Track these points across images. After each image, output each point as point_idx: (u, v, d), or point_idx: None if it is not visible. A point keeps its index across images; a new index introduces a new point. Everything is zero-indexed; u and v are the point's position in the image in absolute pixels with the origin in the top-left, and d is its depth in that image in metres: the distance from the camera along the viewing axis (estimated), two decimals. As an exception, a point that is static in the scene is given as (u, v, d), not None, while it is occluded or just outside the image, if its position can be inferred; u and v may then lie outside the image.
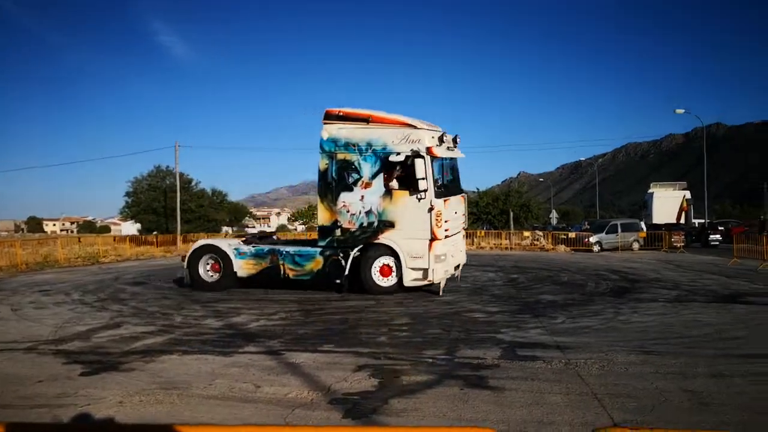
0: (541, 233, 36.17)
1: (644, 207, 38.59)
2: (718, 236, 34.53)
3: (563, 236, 33.97)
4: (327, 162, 12.75)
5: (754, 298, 11.65)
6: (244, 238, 14.99)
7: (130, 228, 54.92)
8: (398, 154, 12.29)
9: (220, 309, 10.63)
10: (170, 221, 43.50)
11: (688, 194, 35.66)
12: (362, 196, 12.48)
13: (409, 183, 12.31)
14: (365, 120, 12.74)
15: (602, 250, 30.13)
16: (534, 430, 4.30)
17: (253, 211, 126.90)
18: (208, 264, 13.42)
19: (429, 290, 12.52)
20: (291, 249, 13.13)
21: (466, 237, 39.15)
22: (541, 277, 16.34)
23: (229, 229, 66.00)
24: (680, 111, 42.69)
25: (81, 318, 9.78)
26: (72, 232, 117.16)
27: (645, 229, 32.02)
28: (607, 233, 31.03)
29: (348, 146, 12.66)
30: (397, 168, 12.53)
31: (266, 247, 13.30)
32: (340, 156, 12.69)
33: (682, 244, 29.67)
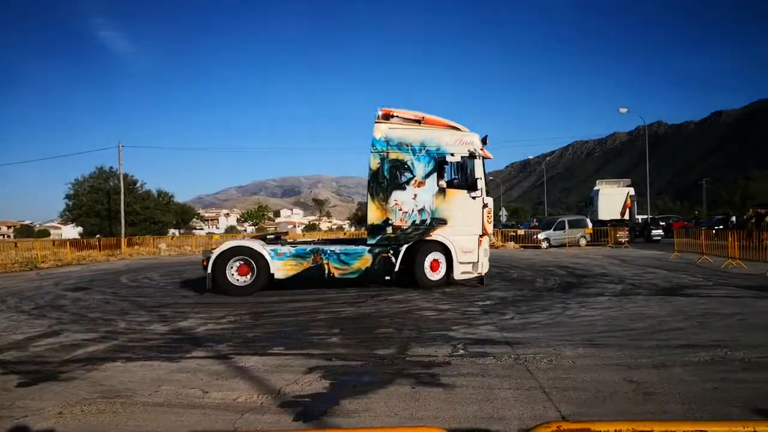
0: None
1: (590, 204, 39.53)
2: (660, 231, 35.83)
3: (512, 233, 34.64)
4: (379, 161, 13.11)
5: (694, 290, 12.08)
6: (260, 239, 15.06)
7: (72, 232, 53.09)
8: (453, 155, 13.19)
9: (166, 314, 10.34)
10: (114, 224, 42.26)
11: (632, 191, 36.71)
12: (415, 195, 13.05)
13: (457, 182, 13.64)
14: (417, 121, 13.38)
15: (550, 246, 30.85)
16: (484, 425, 4.31)
17: (201, 212, 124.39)
18: (233, 267, 12.79)
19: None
20: (336, 248, 13.20)
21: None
22: (490, 274, 16.52)
23: (176, 232, 64.52)
24: (624, 110, 44.06)
25: (18, 326, 9.36)
26: (8, 236, 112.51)
27: (591, 225, 32.92)
28: (555, 230, 31.77)
29: (401, 146, 13.12)
30: (445, 168, 13.51)
31: (308, 247, 13.24)
32: (393, 155, 13.10)
33: (627, 239, 30.68)
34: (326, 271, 12.89)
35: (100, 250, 32.85)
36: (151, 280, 17.44)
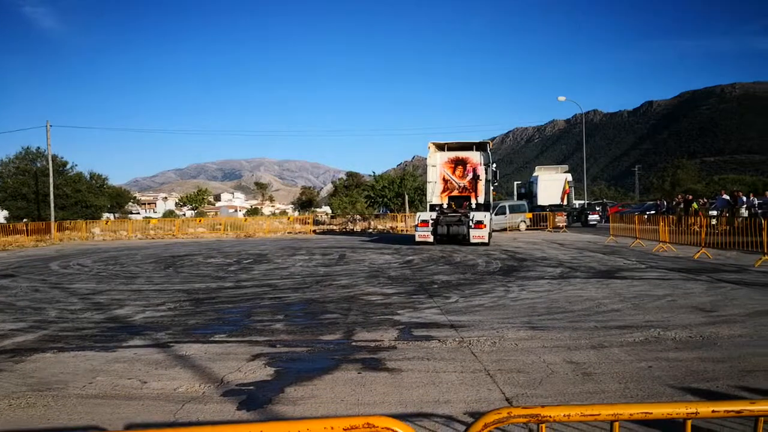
0: (434, 215, 37.03)
1: (529, 189, 40.26)
2: (596, 216, 37.04)
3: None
4: (491, 168, 22.92)
5: (628, 273, 12.52)
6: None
7: (-4, 216, 50.53)
8: (495, 167, 23.90)
9: (101, 301, 9.96)
10: (43, 208, 40.42)
11: (569, 177, 37.65)
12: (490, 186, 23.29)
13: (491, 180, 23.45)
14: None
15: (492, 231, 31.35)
16: (431, 409, 4.33)
17: (137, 195, 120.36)
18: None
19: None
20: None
21: (364, 220, 39.53)
22: (435, 258, 16.71)
23: (111, 216, 62.31)
24: (562, 98, 45.24)
25: (-62, 316, 8.81)
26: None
27: (527, 210, 33.74)
28: (496, 215, 32.29)
29: (491, 160, 23.01)
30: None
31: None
32: (492, 165, 23.14)
33: (565, 224, 31.60)
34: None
35: (28, 235, 31.40)
36: (84, 266, 16.77)
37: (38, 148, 44.11)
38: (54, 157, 40.77)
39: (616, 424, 1.76)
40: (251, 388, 4.96)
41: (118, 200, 68.09)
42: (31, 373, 5.56)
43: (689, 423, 1.82)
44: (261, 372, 5.42)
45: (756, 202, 25.90)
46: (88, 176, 49.81)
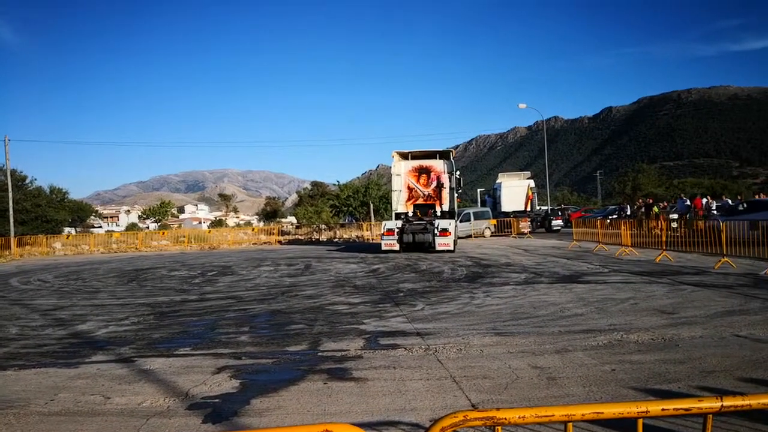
0: (400, 223, 37.12)
1: (493, 196, 40.63)
2: (559, 222, 37.67)
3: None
4: (455, 177, 23.42)
5: (591, 277, 12.75)
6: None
7: (-47, 232, 48.82)
8: (459, 174, 24.38)
9: (63, 317, 9.74)
10: (2, 223, 39.35)
11: (532, 183, 38.17)
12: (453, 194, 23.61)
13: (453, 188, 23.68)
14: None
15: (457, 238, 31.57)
16: (397, 418, 4.35)
17: (99, 209, 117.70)
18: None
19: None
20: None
21: (329, 230, 39.35)
22: (401, 266, 16.77)
23: (72, 230, 60.88)
24: (523, 106, 45.96)
25: None
26: None
27: (492, 216, 34.13)
28: (461, 222, 32.55)
29: (454, 169, 23.60)
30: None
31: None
32: (456, 174, 23.62)
33: (529, 229, 32.05)
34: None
35: (-15, 252, 30.50)
36: (45, 281, 16.37)
37: (-4, 163, 43.00)
38: (13, 172, 39.83)
39: (570, 424, 1.81)
40: (217, 400, 4.91)
41: (80, 214, 66.60)
42: (-11, 392, 5.41)
43: (641, 422, 1.88)
44: (226, 384, 5.37)
45: (714, 205, 26.70)
46: (48, 190, 48.74)
